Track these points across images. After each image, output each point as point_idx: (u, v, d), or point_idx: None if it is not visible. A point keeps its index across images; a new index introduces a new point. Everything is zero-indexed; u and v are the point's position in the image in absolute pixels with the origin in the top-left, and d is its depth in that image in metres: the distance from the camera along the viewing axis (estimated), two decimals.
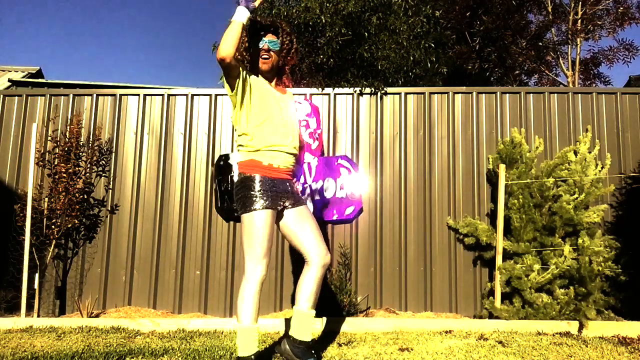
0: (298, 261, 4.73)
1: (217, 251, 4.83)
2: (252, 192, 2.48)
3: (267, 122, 2.57)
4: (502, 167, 4.32)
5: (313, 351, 2.56)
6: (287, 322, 3.74)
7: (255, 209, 2.46)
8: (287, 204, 2.60)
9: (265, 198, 2.48)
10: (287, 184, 2.63)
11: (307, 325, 2.54)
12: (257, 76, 2.67)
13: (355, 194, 4.83)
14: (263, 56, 2.63)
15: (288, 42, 2.69)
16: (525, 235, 4.26)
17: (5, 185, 4.91)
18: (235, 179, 2.61)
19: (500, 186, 4.27)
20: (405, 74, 6.07)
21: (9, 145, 5.02)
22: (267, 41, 2.63)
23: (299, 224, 2.61)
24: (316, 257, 2.55)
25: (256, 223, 2.46)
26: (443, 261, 4.79)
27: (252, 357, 2.42)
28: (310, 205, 4.74)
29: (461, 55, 9.37)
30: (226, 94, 5.05)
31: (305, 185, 4.82)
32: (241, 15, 2.44)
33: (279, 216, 2.63)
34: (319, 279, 2.55)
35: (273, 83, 2.73)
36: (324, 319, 3.82)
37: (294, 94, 5.03)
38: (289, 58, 2.73)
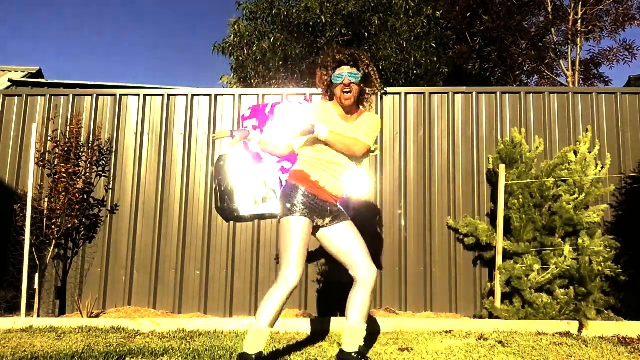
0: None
1: (217, 251, 4.83)
2: (293, 201, 2.56)
3: (328, 149, 2.61)
4: (502, 167, 4.32)
5: (360, 357, 2.60)
6: (288, 322, 3.75)
7: (292, 214, 2.54)
8: (323, 222, 2.65)
9: (303, 207, 2.55)
10: (328, 204, 2.65)
11: (358, 339, 2.61)
12: (332, 107, 2.69)
13: (355, 193, 4.82)
14: (344, 90, 2.61)
15: (369, 72, 2.68)
16: (525, 235, 4.25)
17: (5, 185, 4.91)
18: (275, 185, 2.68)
19: (500, 186, 4.27)
20: (406, 74, 6.08)
21: (9, 145, 5.02)
22: (348, 74, 2.61)
23: (343, 241, 2.66)
24: (363, 273, 2.62)
25: (292, 228, 2.53)
26: (443, 261, 4.78)
27: (253, 357, 2.44)
28: None
29: (461, 56, 9.37)
30: (226, 94, 5.10)
31: None
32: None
33: (321, 234, 2.68)
34: (369, 293, 2.61)
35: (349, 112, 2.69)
36: (324, 319, 3.82)
37: (294, 94, 5.09)
38: (372, 86, 2.71)
